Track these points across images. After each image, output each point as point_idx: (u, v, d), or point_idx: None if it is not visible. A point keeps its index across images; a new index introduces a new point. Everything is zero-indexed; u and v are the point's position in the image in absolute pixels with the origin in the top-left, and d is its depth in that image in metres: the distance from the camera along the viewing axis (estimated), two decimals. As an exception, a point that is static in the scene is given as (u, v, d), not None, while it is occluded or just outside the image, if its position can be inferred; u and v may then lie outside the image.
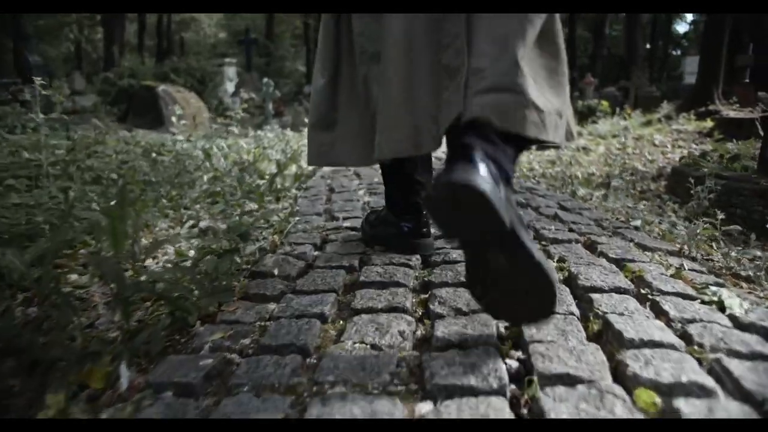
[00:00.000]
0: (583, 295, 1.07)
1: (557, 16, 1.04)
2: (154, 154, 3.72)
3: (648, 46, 24.97)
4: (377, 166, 1.43)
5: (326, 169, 3.36)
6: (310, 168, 3.47)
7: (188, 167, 3.32)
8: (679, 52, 30.98)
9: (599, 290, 1.08)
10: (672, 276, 1.21)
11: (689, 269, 1.30)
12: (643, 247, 1.48)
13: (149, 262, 1.57)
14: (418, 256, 1.33)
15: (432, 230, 1.41)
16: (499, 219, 0.74)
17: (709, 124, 6.58)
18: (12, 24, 10.00)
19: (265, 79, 10.04)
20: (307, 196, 2.30)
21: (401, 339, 0.90)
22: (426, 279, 1.20)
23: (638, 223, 1.84)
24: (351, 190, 2.36)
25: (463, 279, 1.14)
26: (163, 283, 1.19)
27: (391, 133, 1.09)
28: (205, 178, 2.91)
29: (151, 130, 7.10)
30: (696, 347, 0.84)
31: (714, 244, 1.70)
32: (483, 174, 0.76)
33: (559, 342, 0.85)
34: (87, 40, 29.11)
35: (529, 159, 4.63)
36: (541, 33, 1.00)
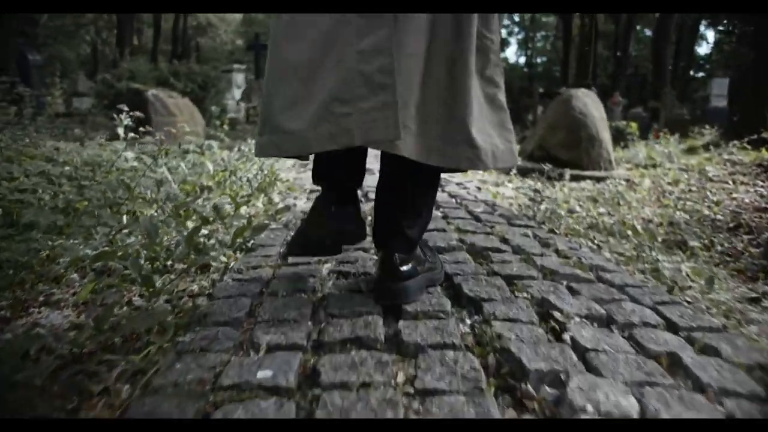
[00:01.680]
0: None
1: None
2: (91, 174, 2.91)
3: (670, 67, 23.90)
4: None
5: (300, 207, 2.50)
6: (282, 204, 2.61)
7: (119, 198, 2.48)
8: (701, 74, 29.95)
9: None
10: None
11: None
12: None
13: None
14: None
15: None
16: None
17: (768, 155, 5.65)
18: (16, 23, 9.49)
19: (271, 87, 9.24)
20: (241, 271, 1.44)
21: None
22: None
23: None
24: (312, 261, 1.50)
25: None
26: None
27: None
28: (125, 219, 2.07)
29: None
30: None
31: None
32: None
33: None
34: (104, 43, 28.90)
35: (566, 195, 3.75)
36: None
